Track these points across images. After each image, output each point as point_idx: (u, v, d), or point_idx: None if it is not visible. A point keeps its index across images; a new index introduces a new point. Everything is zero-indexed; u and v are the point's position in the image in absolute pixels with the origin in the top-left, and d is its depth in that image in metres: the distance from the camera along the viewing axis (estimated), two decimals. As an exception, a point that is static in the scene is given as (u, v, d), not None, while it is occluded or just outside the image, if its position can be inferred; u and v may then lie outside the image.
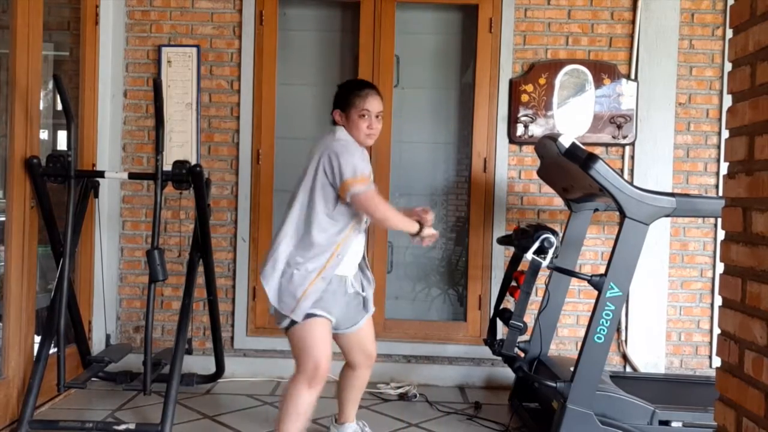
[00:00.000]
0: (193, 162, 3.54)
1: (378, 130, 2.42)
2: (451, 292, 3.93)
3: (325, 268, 2.29)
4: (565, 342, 3.65)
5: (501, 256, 3.64)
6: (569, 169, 2.74)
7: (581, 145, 2.72)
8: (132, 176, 3.01)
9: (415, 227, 2.37)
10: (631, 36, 3.60)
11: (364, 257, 2.52)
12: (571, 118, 3.61)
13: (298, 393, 2.29)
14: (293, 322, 2.31)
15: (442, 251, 3.95)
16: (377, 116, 2.39)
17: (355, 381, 2.63)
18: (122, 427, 2.66)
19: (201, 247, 3.11)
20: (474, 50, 3.69)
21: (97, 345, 3.61)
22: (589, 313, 2.67)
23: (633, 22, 3.60)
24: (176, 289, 3.58)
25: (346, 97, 2.40)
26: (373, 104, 2.38)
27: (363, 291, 2.49)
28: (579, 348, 2.69)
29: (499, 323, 3.30)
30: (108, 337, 3.67)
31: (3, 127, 2.89)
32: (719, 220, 2.78)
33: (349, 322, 2.48)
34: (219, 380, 3.50)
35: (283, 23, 3.76)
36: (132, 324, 3.70)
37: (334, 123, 2.43)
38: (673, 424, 2.69)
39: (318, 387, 2.31)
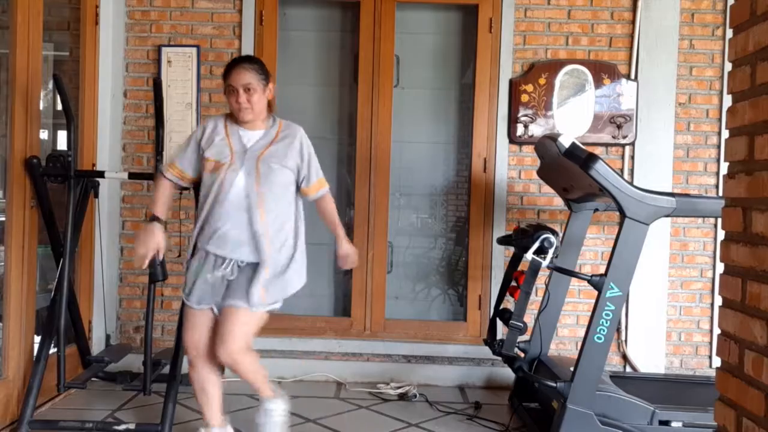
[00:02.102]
0: (193, 162, 3.54)
1: (250, 102, 2.35)
2: (451, 292, 3.93)
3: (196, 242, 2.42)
4: (565, 342, 3.65)
5: (501, 256, 3.64)
6: (569, 169, 2.74)
7: (581, 145, 2.72)
8: (132, 176, 3.01)
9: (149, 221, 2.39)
10: (631, 36, 3.60)
11: (258, 241, 2.34)
12: (571, 118, 3.61)
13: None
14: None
15: (442, 251, 3.95)
16: (246, 89, 2.34)
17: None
18: (122, 427, 2.66)
19: (201, 247, 3.10)
20: (474, 50, 3.69)
21: (97, 345, 3.61)
22: (589, 313, 2.67)
23: (633, 22, 3.60)
24: (176, 289, 3.58)
25: (223, 78, 2.44)
26: (238, 78, 2.35)
27: (232, 275, 2.36)
28: (579, 348, 2.69)
29: (499, 323, 3.30)
30: (108, 337, 3.67)
31: (3, 127, 2.89)
32: (719, 220, 2.78)
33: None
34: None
35: (283, 23, 3.76)
36: (132, 324, 3.70)
37: None
38: (673, 424, 2.69)
39: (193, 365, 2.43)
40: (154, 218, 2.38)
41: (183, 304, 2.48)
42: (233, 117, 2.44)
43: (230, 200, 2.33)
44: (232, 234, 2.34)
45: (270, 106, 2.47)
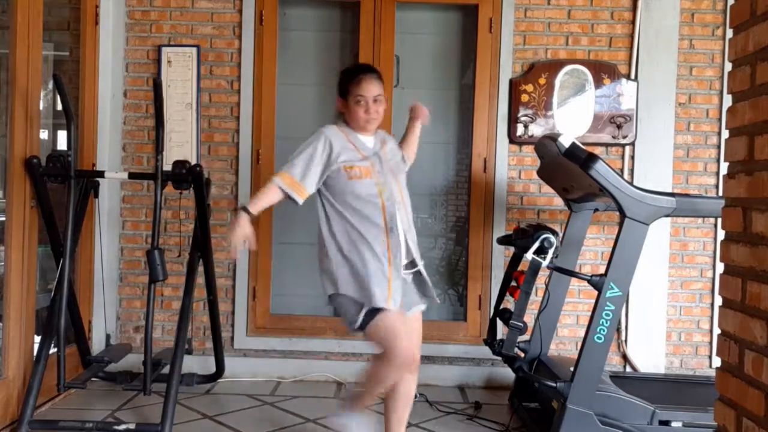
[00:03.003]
0: (193, 162, 3.54)
1: (378, 113, 2.40)
2: (451, 292, 3.93)
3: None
4: (565, 342, 3.65)
5: (501, 256, 3.64)
6: (569, 169, 2.74)
7: (581, 145, 2.72)
8: (132, 176, 3.01)
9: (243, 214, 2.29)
10: (631, 36, 3.60)
11: (408, 240, 2.40)
12: (571, 118, 3.61)
13: None
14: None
15: (442, 251, 3.95)
16: (375, 100, 2.38)
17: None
18: (122, 427, 2.66)
19: (201, 247, 3.11)
20: (474, 50, 3.69)
21: (97, 345, 3.61)
22: (589, 313, 2.67)
23: (633, 22, 3.60)
24: (176, 289, 3.58)
25: (344, 84, 2.43)
26: (369, 89, 2.37)
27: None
28: (579, 348, 2.69)
29: (499, 323, 3.30)
30: (108, 337, 3.67)
31: (3, 127, 2.90)
32: (719, 220, 2.78)
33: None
34: (219, 380, 3.50)
35: (283, 23, 3.76)
36: (132, 324, 3.70)
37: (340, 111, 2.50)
38: (673, 424, 2.69)
39: (403, 374, 2.36)
40: (245, 209, 2.29)
41: (377, 313, 2.26)
42: (344, 125, 2.45)
43: (392, 202, 2.35)
44: (400, 236, 2.36)
45: None
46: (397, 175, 2.44)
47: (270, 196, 2.35)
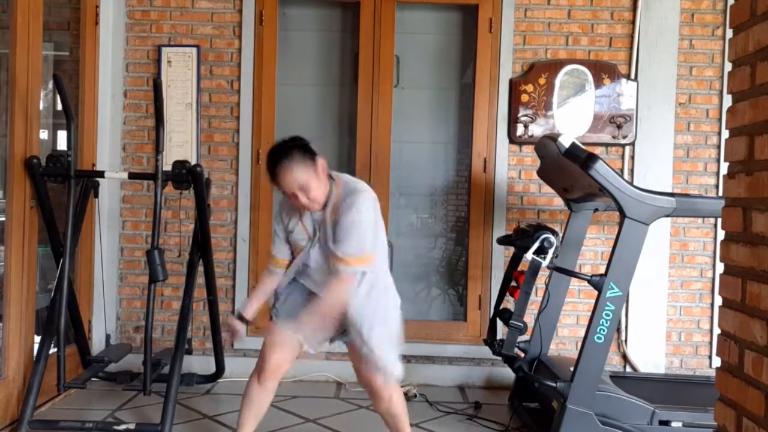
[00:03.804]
0: (193, 162, 3.54)
1: (312, 199, 2.17)
2: (451, 292, 3.93)
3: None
4: (565, 342, 3.65)
5: (501, 256, 3.64)
6: (569, 169, 2.74)
7: (581, 145, 2.72)
8: (132, 176, 3.01)
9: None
10: (631, 36, 3.60)
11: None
12: (571, 118, 3.61)
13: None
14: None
15: (442, 251, 3.95)
16: (301, 189, 2.14)
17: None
18: (122, 427, 2.66)
19: (201, 247, 3.11)
20: (474, 50, 3.69)
21: (97, 345, 3.61)
22: (589, 313, 2.67)
23: (633, 22, 3.60)
24: (176, 289, 3.58)
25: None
26: (286, 184, 2.15)
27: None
28: (579, 348, 2.69)
29: (499, 323, 3.30)
30: (108, 337, 3.67)
31: (3, 127, 2.89)
32: (719, 220, 2.78)
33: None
34: (219, 380, 3.50)
35: (283, 23, 3.76)
36: (132, 324, 3.70)
37: None
38: (673, 424, 2.69)
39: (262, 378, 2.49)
40: (240, 317, 2.47)
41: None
42: None
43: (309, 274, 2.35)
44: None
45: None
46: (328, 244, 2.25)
47: (260, 285, 2.51)
